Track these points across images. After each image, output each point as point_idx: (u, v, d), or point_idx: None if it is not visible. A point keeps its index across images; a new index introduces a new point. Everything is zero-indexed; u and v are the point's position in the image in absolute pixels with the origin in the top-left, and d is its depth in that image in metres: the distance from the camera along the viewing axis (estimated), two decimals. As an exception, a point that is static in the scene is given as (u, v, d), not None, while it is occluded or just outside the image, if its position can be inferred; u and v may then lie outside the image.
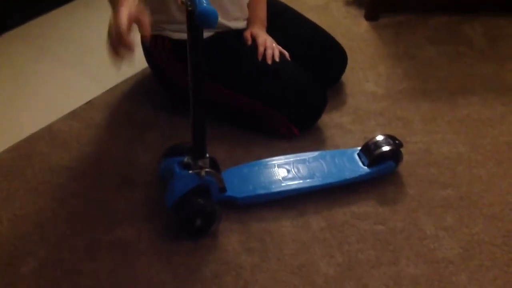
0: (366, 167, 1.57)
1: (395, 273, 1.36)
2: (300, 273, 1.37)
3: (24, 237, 1.45)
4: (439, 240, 1.44)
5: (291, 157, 1.61)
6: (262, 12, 1.81)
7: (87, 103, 1.88)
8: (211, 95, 1.70)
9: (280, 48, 1.74)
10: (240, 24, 1.78)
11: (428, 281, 1.35)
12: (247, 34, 1.75)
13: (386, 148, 1.57)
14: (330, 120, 1.81)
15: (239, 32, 1.77)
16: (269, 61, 1.69)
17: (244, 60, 1.72)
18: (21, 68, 2.07)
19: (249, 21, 1.80)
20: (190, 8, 1.15)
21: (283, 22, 1.86)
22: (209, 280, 1.35)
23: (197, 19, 1.13)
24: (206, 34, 1.69)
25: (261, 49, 1.70)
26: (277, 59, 1.70)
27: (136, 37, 1.80)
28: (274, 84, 1.69)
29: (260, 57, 1.70)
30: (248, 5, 1.78)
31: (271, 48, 1.71)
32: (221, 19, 1.68)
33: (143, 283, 1.34)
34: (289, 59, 1.74)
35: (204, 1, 1.11)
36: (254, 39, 1.74)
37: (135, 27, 1.80)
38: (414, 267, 1.38)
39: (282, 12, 1.89)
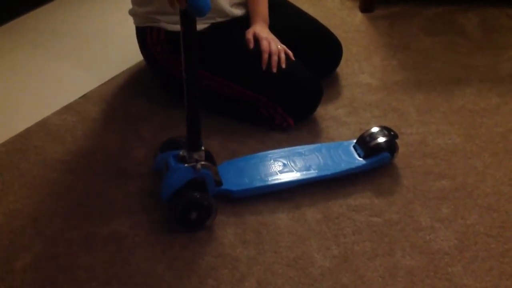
0: (361, 159, 1.57)
1: (391, 264, 1.37)
2: (296, 265, 1.37)
3: (19, 231, 1.44)
4: (435, 231, 1.45)
5: (287, 150, 1.61)
6: (263, 7, 1.77)
7: (81, 96, 1.88)
8: (206, 85, 1.70)
9: (285, 47, 1.70)
10: (238, 11, 1.77)
11: (424, 272, 1.35)
12: (249, 36, 1.70)
13: (381, 139, 1.57)
14: (325, 112, 1.81)
15: (235, 22, 1.76)
16: (274, 70, 1.66)
17: (240, 50, 1.71)
18: (15, 62, 2.06)
19: (251, 18, 1.77)
20: None
21: (278, 14, 1.85)
22: (205, 272, 1.35)
23: (189, 8, 1.13)
24: (202, 26, 1.69)
25: (265, 56, 1.66)
26: (283, 66, 1.67)
27: (131, 29, 1.81)
28: (270, 74, 1.68)
29: (264, 66, 1.66)
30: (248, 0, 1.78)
31: (275, 53, 1.67)
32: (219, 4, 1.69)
33: (139, 276, 1.34)
34: (293, 58, 1.70)
35: None
36: (257, 41, 1.70)
37: (128, 19, 1.80)
38: (410, 258, 1.38)
39: (277, 4, 1.88)
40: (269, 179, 1.52)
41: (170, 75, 1.76)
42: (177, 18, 1.63)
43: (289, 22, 1.87)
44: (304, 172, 1.54)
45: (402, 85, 1.93)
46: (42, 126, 1.76)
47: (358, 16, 2.32)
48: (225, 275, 1.34)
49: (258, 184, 1.51)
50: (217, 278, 1.34)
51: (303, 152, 1.60)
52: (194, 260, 1.37)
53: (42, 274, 1.34)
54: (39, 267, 1.36)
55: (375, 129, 1.60)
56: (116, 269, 1.35)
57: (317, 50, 1.87)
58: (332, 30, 1.92)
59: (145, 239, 1.42)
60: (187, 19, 1.20)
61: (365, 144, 1.58)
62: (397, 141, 1.60)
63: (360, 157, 1.58)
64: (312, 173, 1.54)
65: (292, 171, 1.54)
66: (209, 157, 1.44)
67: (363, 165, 1.56)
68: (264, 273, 1.35)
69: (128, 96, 1.89)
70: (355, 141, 1.62)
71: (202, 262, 1.37)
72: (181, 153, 1.41)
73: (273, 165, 1.56)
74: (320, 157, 1.58)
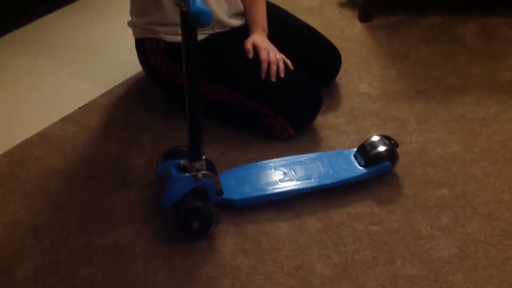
0: (362, 168, 1.57)
1: (391, 273, 1.37)
2: (296, 274, 1.37)
3: (20, 241, 1.44)
4: (435, 239, 1.45)
5: (288, 159, 1.61)
6: (261, 15, 1.79)
7: (81, 107, 1.88)
8: (206, 94, 1.70)
9: (283, 57, 1.71)
10: (237, 22, 1.78)
11: (424, 281, 1.35)
12: (248, 45, 1.71)
13: (382, 148, 1.57)
14: (325, 121, 1.81)
15: (234, 31, 1.77)
16: (273, 79, 1.66)
17: (239, 59, 1.72)
18: (15, 73, 2.07)
19: (249, 27, 1.78)
20: (184, 9, 1.16)
21: (277, 24, 1.85)
22: (205, 282, 1.35)
23: (191, 19, 1.14)
24: (200, 36, 1.70)
25: (264, 65, 1.67)
26: (282, 75, 1.68)
27: (130, 40, 1.82)
28: (270, 83, 1.68)
29: (263, 75, 1.67)
30: (247, 8, 1.78)
31: (274, 63, 1.67)
32: (218, 16, 1.70)
33: (139, 285, 1.34)
34: (292, 67, 1.71)
35: (198, 1, 1.12)
36: (256, 50, 1.70)
37: (128, 29, 1.81)
38: (410, 267, 1.38)
39: (275, 14, 1.88)
40: (270, 188, 1.52)
41: (169, 82, 1.77)
42: (176, 29, 1.64)
43: (287, 32, 1.88)
44: (305, 181, 1.54)
45: (402, 94, 1.94)
46: (42, 136, 1.76)
47: (357, 26, 2.33)
48: (225, 285, 1.34)
49: (259, 193, 1.51)
50: (217, 287, 1.33)
51: (303, 161, 1.60)
52: (194, 270, 1.37)
53: (42, 284, 1.34)
54: (40, 277, 1.35)
55: (375, 138, 1.60)
56: (116, 278, 1.35)
57: (316, 60, 1.87)
58: (332, 39, 1.93)
59: (145, 248, 1.42)
60: (189, 29, 1.21)
61: (365, 153, 1.58)
62: (397, 149, 1.60)
63: (360, 166, 1.58)
64: (313, 182, 1.54)
65: (293, 180, 1.54)
66: (210, 166, 1.44)
67: (364, 174, 1.56)
68: (265, 282, 1.35)
69: (127, 106, 1.89)
70: (355, 150, 1.62)
71: (202, 271, 1.37)
72: (182, 162, 1.41)
73: (274, 174, 1.56)
74: (320, 166, 1.59)
